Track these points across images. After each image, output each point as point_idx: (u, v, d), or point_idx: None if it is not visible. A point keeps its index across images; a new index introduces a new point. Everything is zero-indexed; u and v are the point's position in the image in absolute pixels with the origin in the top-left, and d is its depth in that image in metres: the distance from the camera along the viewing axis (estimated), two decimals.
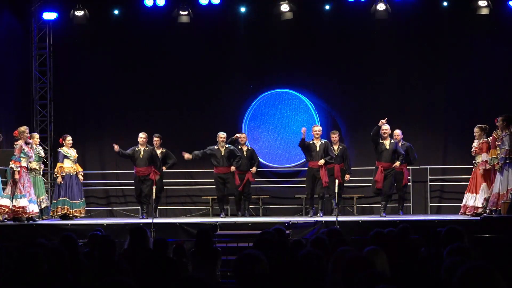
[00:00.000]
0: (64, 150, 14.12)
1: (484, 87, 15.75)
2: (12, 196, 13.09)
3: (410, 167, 14.90)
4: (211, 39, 16.46)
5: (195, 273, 7.24)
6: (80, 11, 15.96)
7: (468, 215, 12.93)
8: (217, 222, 12.62)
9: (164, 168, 14.68)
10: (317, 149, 13.93)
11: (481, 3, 15.23)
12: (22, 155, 13.28)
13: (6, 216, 13.21)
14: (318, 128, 14.20)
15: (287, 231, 11.29)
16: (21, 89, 16.56)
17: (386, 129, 13.71)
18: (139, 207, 14.84)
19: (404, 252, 6.38)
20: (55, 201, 14.07)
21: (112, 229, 12.22)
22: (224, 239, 11.27)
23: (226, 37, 16.53)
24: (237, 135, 14.80)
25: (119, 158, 15.57)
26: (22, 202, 13.08)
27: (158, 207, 15.14)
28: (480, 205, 12.85)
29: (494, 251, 6.99)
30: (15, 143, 13.46)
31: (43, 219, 13.74)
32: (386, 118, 13.67)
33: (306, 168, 14.29)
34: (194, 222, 12.97)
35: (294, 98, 16.22)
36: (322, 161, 13.78)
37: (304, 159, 14.63)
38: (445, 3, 15.71)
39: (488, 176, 12.89)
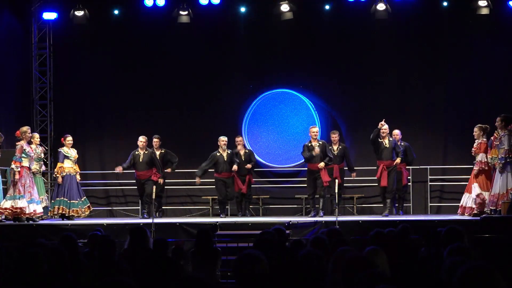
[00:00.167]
0: (64, 150, 14.11)
1: (484, 87, 15.75)
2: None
3: (410, 167, 14.90)
4: (211, 39, 16.46)
5: (195, 273, 7.24)
6: (80, 11, 15.96)
7: (466, 215, 12.95)
8: (217, 222, 12.62)
9: (169, 170, 14.71)
10: (317, 150, 13.91)
11: (481, 3, 15.23)
12: (23, 155, 13.28)
13: (4, 216, 13.21)
14: (316, 129, 14.17)
15: (287, 231, 11.29)
16: (21, 89, 16.56)
17: (385, 128, 13.72)
18: (139, 207, 14.84)
19: (404, 252, 6.38)
20: (53, 201, 14.08)
21: (112, 229, 12.22)
22: (224, 239, 11.27)
23: (226, 37, 16.53)
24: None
25: (119, 158, 15.57)
26: (20, 203, 13.06)
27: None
28: (471, 205, 12.89)
29: (494, 251, 6.99)
30: (17, 143, 13.46)
31: (42, 219, 13.73)
32: (385, 119, 13.69)
33: (306, 168, 14.28)
34: (194, 222, 12.97)
35: (294, 98, 16.21)
36: (322, 164, 13.75)
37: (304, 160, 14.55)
38: (445, 3, 15.71)
39: (486, 176, 12.91)
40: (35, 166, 13.71)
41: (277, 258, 5.25)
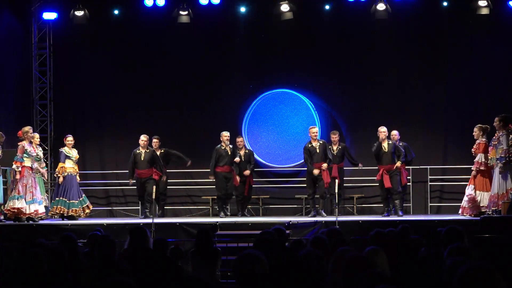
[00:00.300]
0: (66, 150, 14.10)
1: (484, 87, 15.75)
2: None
3: (410, 167, 14.90)
4: (211, 39, 16.46)
5: (195, 273, 7.24)
6: (80, 11, 15.96)
7: (465, 215, 12.95)
8: (217, 222, 12.62)
9: (189, 162, 14.79)
10: (317, 150, 13.92)
11: (481, 3, 15.23)
12: (25, 155, 13.28)
13: (3, 217, 13.22)
14: (315, 130, 14.17)
15: (287, 231, 11.29)
16: (21, 89, 16.56)
17: (383, 131, 13.69)
18: (139, 207, 14.83)
19: (404, 252, 6.38)
20: (53, 201, 14.08)
21: (112, 229, 12.23)
22: (224, 239, 11.27)
23: (226, 37, 16.52)
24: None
25: (119, 158, 15.59)
26: (18, 203, 13.06)
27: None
28: (465, 204, 12.91)
29: (494, 251, 7.00)
30: (18, 143, 13.46)
31: (42, 219, 13.73)
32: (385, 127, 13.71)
33: (306, 168, 14.27)
34: (194, 222, 12.98)
35: (294, 98, 16.21)
36: (325, 165, 13.77)
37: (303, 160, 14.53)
38: (445, 3, 15.71)
39: (485, 176, 12.91)
40: (42, 166, 13.71)
41: (277, 258, 5.25)
